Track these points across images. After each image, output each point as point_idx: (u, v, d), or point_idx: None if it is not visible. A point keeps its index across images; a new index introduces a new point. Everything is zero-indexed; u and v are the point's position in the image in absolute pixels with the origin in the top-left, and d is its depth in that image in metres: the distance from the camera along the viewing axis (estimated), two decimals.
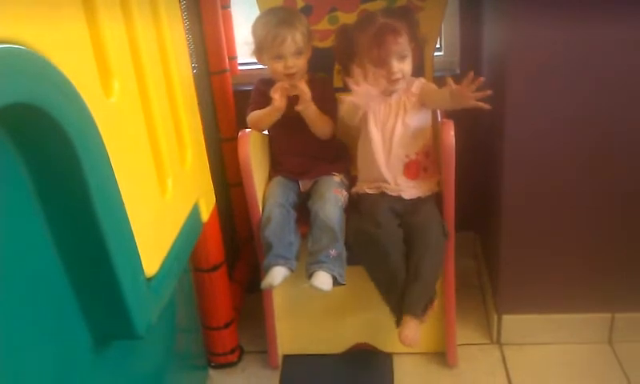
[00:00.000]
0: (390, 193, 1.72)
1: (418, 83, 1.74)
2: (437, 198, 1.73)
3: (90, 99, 0.93)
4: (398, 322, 1.63)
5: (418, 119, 1.72)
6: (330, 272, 1.62)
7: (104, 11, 1.01)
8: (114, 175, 1.00)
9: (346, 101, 1.64)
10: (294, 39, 1.71)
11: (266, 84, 1.81)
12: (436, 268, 1.66)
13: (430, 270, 1.63)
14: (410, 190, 1.72)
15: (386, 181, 1.73)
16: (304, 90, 1.72)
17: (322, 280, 1.61)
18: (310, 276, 1.63)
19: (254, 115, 1.80)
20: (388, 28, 1.64)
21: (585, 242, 1.75)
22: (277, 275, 1.64)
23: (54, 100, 0.84)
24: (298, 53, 1.74)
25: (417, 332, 1.61)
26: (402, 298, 1.63)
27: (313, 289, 1.61)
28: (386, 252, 1.63)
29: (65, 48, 0.88)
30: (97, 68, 0.99)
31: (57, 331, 0.97)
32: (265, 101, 1.77)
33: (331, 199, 1.72)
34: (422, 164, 1.74)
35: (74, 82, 0.89)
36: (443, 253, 1.68)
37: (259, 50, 1.77)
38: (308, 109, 1.74)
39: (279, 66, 1.74)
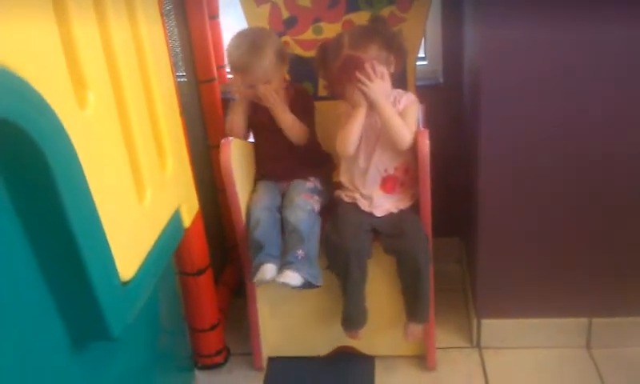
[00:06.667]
0: (362, 208, 1.77)
1: (406, 100, 1.74)
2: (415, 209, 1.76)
3: (63, 112, 0.95)
4: (346, 326, 1.76)
5: None
6: (298, 272, 1.65)
7: (77, 20, 1.02)
8: (86, 185, 1.03)
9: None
10: (261, 68, 1.77)
11: None
12: (428, 280, 1.71)
13: (425, 288, 1.70)
14: (382, 205, 1.76)
15: (359, 192, 1.78)
16: (266, 96, 1.79)
17: (289, 276, 1.65)
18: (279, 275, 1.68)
19: (226, 122, 1.89)
20: (352, 63, 1.65)
21: (562, 247, 1.77)
22: (268, 271, 1.68)
23: (26, 114, 0.86)
24: (267, 81, 1.80)
25: (421, 330, 1.78)
26: (407, 308, 1.74)
27: (282, 286, 1.65)
28: (348, 260, 1.67)
29: (36, 62, 0.90)
30: (70, 81, 1.01)
31: (35, 331, 1.00)
32: None
33: (300, 204, 1.77)
34: (400, 179, 1.77)
35: (46, 95, 0.91)
36: (430, 263, 1.71)
37: (233, 74, 1.86)
38: (277, 112, 1.81)
39: (250, 93, 1.83)
